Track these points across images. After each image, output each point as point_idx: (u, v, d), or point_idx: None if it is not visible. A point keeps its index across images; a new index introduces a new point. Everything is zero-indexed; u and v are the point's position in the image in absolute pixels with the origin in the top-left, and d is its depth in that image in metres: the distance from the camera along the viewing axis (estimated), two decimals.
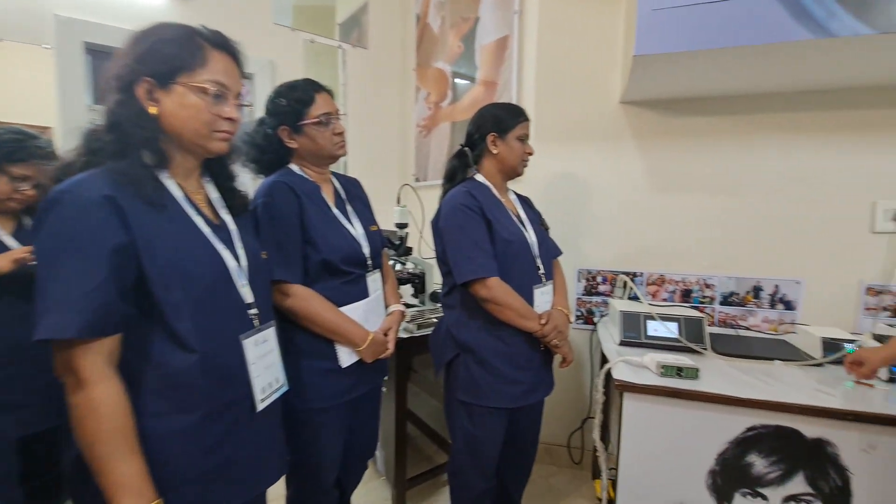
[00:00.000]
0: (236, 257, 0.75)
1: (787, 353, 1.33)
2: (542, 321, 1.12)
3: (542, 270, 1.18)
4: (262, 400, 0.77)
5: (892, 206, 1.47)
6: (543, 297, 1.17)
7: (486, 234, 1.10)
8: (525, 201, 1.32)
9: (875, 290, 1.52)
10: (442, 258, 1.17)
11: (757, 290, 1.63)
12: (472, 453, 1.16)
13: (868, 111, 1.47)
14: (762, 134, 1.57)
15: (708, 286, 1.67)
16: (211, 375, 0.68)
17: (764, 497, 1.06)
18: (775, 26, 1.10)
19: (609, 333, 1.53)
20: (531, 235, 1.18)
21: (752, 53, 1.17)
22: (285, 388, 0.86)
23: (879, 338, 1.24)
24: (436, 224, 1.18)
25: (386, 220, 1.59)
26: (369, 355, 1.08)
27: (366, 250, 1.12)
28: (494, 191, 1.18)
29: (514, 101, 1.83)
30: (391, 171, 2.66)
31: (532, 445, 1.29)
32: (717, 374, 1.17)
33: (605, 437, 1.66)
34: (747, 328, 1.64)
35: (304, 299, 0.99)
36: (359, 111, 2.46)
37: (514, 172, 1.20)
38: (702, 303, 1.68)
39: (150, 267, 0.63)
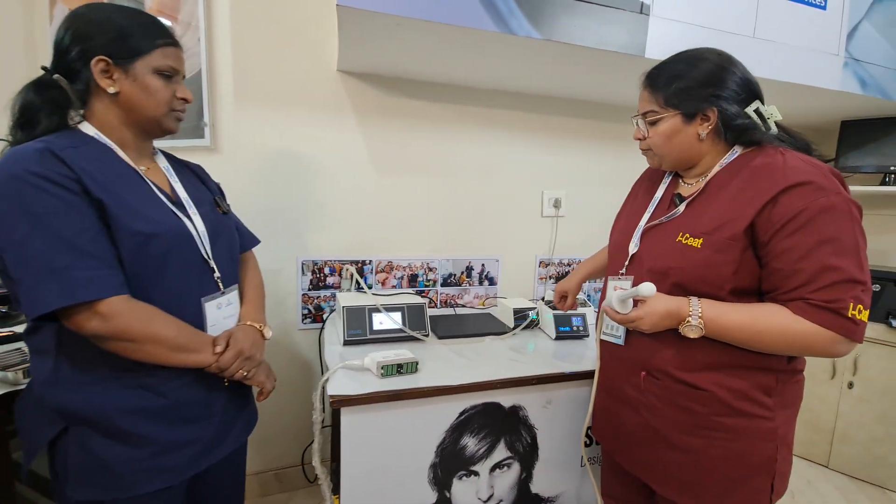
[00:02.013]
0: None
1: (492, 326, 1.48)
2: (218, 348, 0.78)
3: (217, 274, 0.83)
4: None
5: (554, 195, 1.85)
6: (223, 311, 0.84)
7: (95, 226, 0.66)
8: (191, 170, 0.92)
9: (545, 263, 1.90)
10: (3, 271, 0.67)
11: (469, 270, 1.79)
12: None
13: (540, 115, 1.78)
14: (467, 124, 1.70)
15: (431, 269, 1.73)
16: None
17: (476, 473, 1.10)
18: (468, 11, 1.11)
19: (336, 332, 1.37)
20: (197, 223, 0.80)
21: (453, 36, 1.17)
22: None
23: (549, 303, 1.51)
24: None
25: None
26: None
27: None
28: (121, 152, 0.75)
29: (203, 45, 1.39)
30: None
31: None
32: (437, 361, 1.16)
33: (336, 450, 1.50)
34: (463, 305, 1.79)
35: None
36: None
37: (155, 126, 0.78)
38: (426, 286, 1.73)
39: None
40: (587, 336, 1.42)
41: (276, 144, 1.49)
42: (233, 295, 0.87)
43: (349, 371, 1.06)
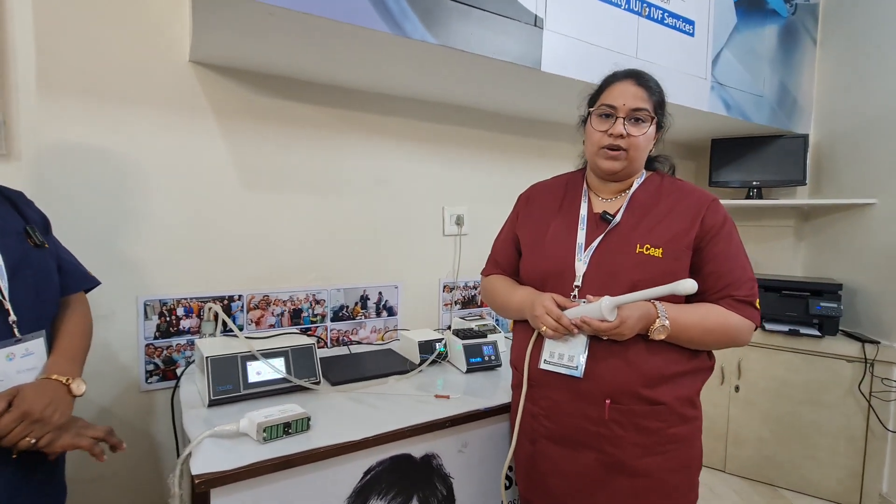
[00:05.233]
0: None
1: (394, 364, 1.47)
2: None
3: (13, 317, 0.82)
4: None
5: (455, 212, 1.94)
6: (16, 363, 0.82)
7: None
8: (5, 197, 0.93)
9: (449, 287, 1.96)
10: None
11: (364, 300, 1.76)
12: None
13: (437, 125, 1.86)
14: (357, 132, 1.70)
15: (318, 302, 1.67)
16: None
17: None
18: (356, 7, 1.14)
19: (198, 390, 1.23)
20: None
21: (339, 33, 1.18)
22: None
23: (456, 332, 1.56)
24: None
25: None
26: None
27: None
28: None
29: None
30: None
31: None
32: (333, 413, 1.12)
33: None
34: (359, 342, 1.75)
35: None
36: None
37: None
38: (313, 322, 1.66)
39: None
40: (499, 366, 1.50)
41: (100, 150, 1.31)
42: (35, 344, 0.85)
43: (220, 440, 0.96)
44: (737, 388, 2.27)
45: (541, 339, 1.00)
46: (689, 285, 0.81)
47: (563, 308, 0.95)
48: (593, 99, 1.04)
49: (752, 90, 2.10)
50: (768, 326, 2.18)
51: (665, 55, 1.76)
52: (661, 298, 0.90)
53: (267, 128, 1.54)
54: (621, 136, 0.96)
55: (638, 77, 0.99)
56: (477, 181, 1.99)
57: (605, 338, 0.92)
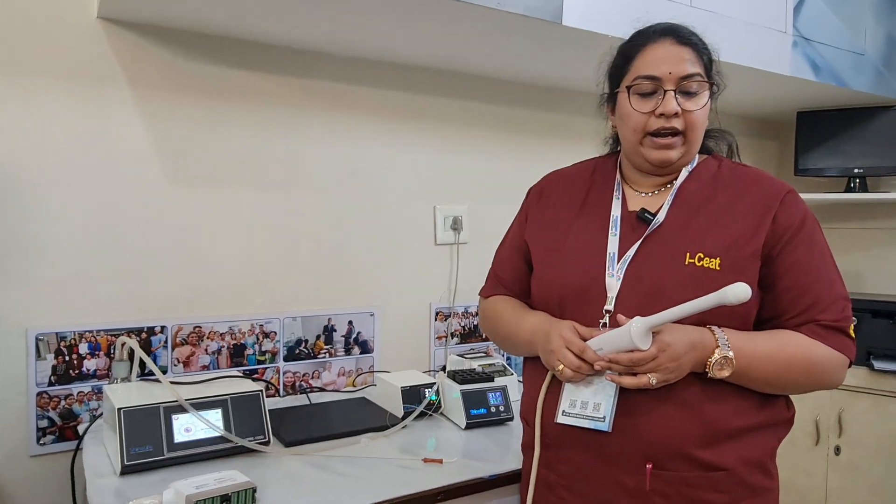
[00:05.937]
0: None
1: (369, 418, 1.53)
2: None
3: None
4: None
5: (451, 213, 2.01)
6: None
7: None
8: None
9: (443, 315, 2.02)
10: None
11: (329, 332, 1.83)
12: None
13: (425, 97, 1.94)
14: (320, 108, 1.78)
15: (267, 335, 1.73)
16: None
17: None
18: None
19: (107, 453, 1.29)
20: None
21: None
22: None
23: (453, 374, 1.63)
24: None
25: None
26: None
27: None
28: None
29: None
30: None
31: None
32: (286, 483, 1.17)
33: None
34: (322, 388, 1.81)
35: None
36: None
37: None
38: (260, 363, 1.72)
39: None
40: (510, 419, 1.56)
41: None
42: None
43: None
44: (837, 450, 2.33)
45: (557, 382, 1.03)
46: (740, 291, 0.81)
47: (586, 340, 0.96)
48: (618, 69, 1.08)
49: (850, 47, 2.18)
50: (878, 365, 2.24)
51: (730, 2, 1.84)
52: (710, 316, 0.92)
53: (199, 102, 1.61)
54: (676, 113, 0.98)
55: (678, 34, 1.01)
56: (480, 171, 2.06)
57: (654, 383, 0.88)
